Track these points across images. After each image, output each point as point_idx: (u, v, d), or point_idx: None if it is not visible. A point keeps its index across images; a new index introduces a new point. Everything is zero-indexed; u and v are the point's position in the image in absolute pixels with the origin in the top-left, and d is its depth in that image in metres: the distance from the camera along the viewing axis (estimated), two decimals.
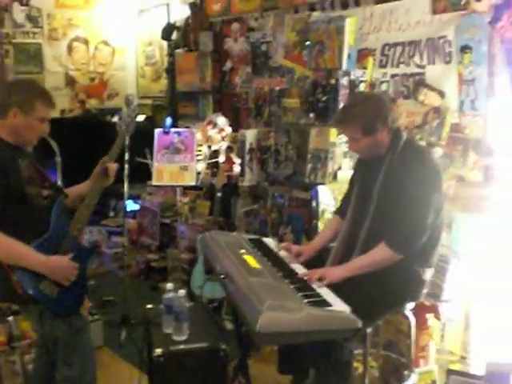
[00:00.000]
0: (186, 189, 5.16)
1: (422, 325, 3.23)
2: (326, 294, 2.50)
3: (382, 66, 3.97)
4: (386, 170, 2.82)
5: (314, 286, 2.60)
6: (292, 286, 2.53)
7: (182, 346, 2.76)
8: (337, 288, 2.58)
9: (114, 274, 5.42)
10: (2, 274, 2.67)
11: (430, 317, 3.28)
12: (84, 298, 2.94)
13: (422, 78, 3.74)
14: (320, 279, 2.66)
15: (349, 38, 3.74)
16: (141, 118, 6.41)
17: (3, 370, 3.44)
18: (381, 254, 2.73)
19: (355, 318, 2.28)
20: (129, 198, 5.60)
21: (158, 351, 2.72)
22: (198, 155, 5.01)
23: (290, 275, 2.71)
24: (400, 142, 2.85)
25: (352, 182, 3.19)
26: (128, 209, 5.73)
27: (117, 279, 5.11)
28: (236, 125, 5.14)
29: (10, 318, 3.51)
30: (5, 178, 2.59)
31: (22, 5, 6.28)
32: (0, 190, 2.57)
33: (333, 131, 3.82)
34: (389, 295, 2.75)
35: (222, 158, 4.84)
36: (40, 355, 3.03)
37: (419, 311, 3.17)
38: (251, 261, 2.72)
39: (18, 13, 6.30)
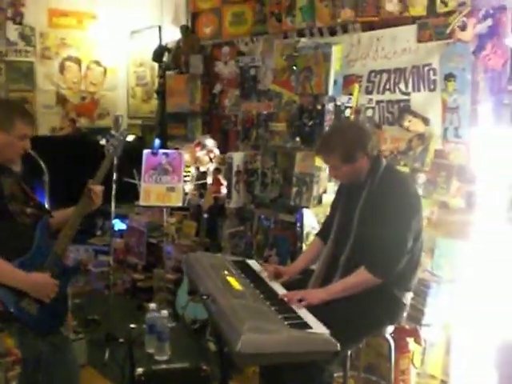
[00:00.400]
0: (173, 209, 5.17)
1: (402, 348, 3.27)
2: (307, 316, 2.53)
3: (369, 92, 4.03)
4: (366, 196, 2.88)
5: (295, 307, 2.64)
6: (273, 308, 2.56)
7: (163, 366, 2.80)
8: (317, 311, 2.62)
9: (99, 292, 5.40)
10: None
11: (410, 340, 3.31)
12: (65, 317, 2.95)
13: (407, 104, 3.80)
14: (300, 300, 2.70)
15: (335, 64, 3.81)
16: (130, 138, 6.47)
17: None
18: (360, 277, 2.78)
19: (334, 341, 2.30)
20: (117, 218, 5.63)
21: (140, 370, 2.75)
22: (186, 176, 5.05)
23: (272, 297, 2.74)
24: (380, 168, 2.91)
25: (333, 205, 3.24)
26: (116, 228, 5.76)
27: (102, 298, 5.11)
28: (225, 147, 5.20)
29: None
30: None
31: (15, 23, 6.35)
32: None
33: None
34: (368, 318, 2.79)
35: (209, 180, 4.88)
36: (23, 372, 3.04)
37: (400, 335, 3.21)
38: (234, 283, 2.76)
39: (11, 31, 6.37)
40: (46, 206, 4.02)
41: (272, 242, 4.29)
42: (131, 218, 5.70)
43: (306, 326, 2.41)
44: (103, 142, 3.03)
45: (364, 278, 2.77)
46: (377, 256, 2.77)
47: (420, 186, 3.58)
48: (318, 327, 2.40)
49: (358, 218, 2.88)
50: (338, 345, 2.30)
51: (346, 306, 2.72)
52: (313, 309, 2.64)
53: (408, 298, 2.94)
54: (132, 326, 3.18)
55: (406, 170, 3.63)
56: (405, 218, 2.79)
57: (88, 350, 4.08)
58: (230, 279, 2.79)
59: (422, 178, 3.60)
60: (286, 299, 2.72)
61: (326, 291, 2.80)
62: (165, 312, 2.82)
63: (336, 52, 3.81)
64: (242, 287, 2.72)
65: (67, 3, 6.71)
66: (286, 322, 2.40)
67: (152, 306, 2.91)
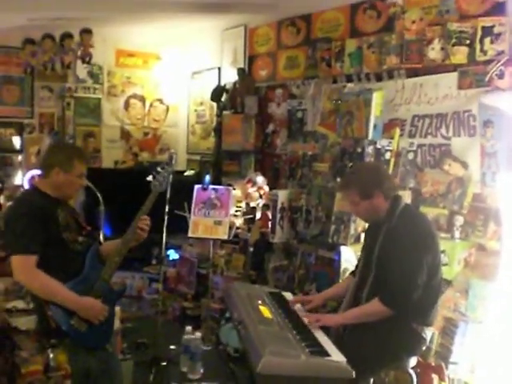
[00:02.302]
0: (223, 242, 5.34)
1: None
2: (328, 345, 2.70)
3: (412, 135, 4.14)
4: (384, 234, 3.08)
5: (314, 331, 2.85)
6: (298, 337, 2.73)
7: None
8: (340, 340, 2.79)
9: (150, 318, 5.60)
10: (40, 310, 2.99)
11: (435, 377, 3.38)
12: (111, 335, 3.20)
13: (448, 149, 3.90)
14: (318, 321, 2.96)
15: (375, 109, 3.97)
16: (189, 173, 6.75)
17: None
18: (374, 307, 2.98)
19: (349, 369, 2.46)
20: (171, 248, 5.89)
21: None
22: (237, 211, 5.25)
23: (299, 326, 2.92)
24: (397, 209, 3.10)
25: (363, 244, 3.44)
26: (170, 258, 6.01)
27: (153, 323, 5.30)
28: (275, 184, 5.36)
29: (49, 350, 3.76)
30: (45, 224, 2.94)
31: (84, 62, 6.76)
32: (41, 234, 2.91)
33: None
34: (385, 350, 2.95)
35: (258, 215, 5.07)
36: None
37: (425, 370, 3.29)
38: (265, 311, 2.95)
39: (81, 69, 6.79)
40: (101, 233, 4.32)
41: (313, 277, 4.43)
42: (184, 249, 5.93)
43: (325, 353, 2.57)
44: (149, 178, 3.25)
45: (376, 308, 2.97)
46: (389, 288, 2.95)
47: (458, 228, 3.67)
48: (336, 355, 2.56)
49: (377, 255, 3.08)
50: (354, 372, 2.45)
51: (365, 337, 2.91)
52: (338, 340, 2.81)
53: (428, 332, 3.07)
54: (172, 347, 3.37)
55: (444, 212, 3.74)
56: (417, 255, 2.96)
57: (134, 371, 4.28)
58: (262, 308, 2.99)
59: (459, 220, 3.69)
60: (306, 320, 2.97)
61: (343, 316, 3.08)
62: (198, 334, 3.01)
63: (377, 98, 3.98)
64: (271, 316, 2.91)
65: (134, 44, 7.10)
66: (307, 349, 2.56)
67: (188, 329, 3.11)
